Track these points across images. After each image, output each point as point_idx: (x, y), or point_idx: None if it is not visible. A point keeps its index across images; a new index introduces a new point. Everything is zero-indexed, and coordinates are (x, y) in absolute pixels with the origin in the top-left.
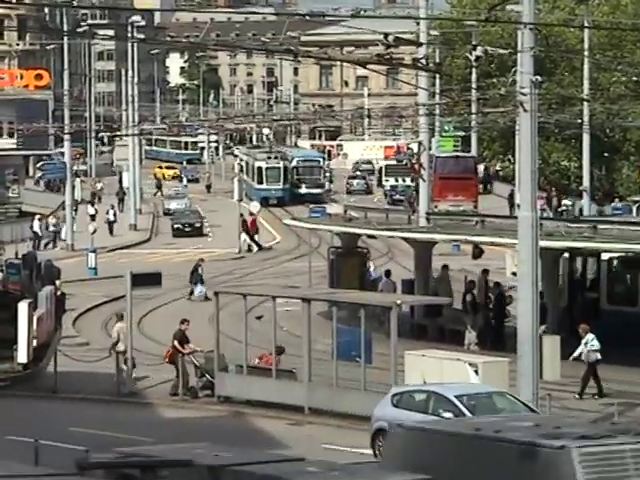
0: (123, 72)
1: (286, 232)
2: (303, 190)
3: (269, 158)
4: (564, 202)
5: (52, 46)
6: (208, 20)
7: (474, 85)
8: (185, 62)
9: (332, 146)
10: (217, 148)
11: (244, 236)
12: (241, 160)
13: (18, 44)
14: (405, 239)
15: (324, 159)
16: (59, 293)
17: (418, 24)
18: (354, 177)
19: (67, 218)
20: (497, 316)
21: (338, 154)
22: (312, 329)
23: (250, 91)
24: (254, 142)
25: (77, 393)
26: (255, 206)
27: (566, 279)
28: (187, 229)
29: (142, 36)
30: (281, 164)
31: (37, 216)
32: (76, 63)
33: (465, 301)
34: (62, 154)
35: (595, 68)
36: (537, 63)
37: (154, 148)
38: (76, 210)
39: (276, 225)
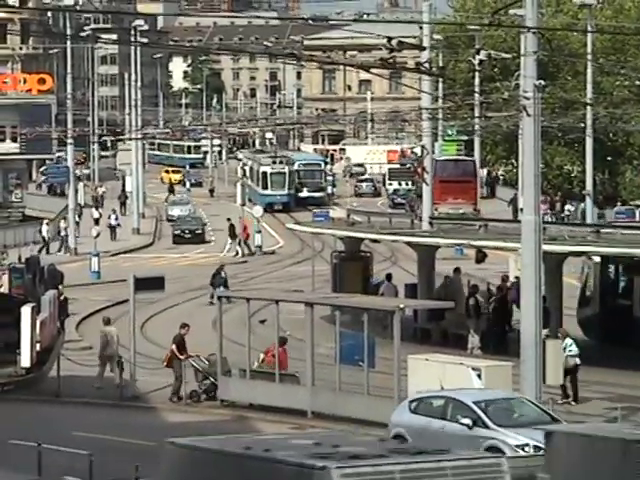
0: (126, 76)
1: (289, 236)
2: (304, 194)
3: (274, 163)
4: (567, 207)
5: (55, 50)
6: (211, 24)
7: (477, 89)
8: (188, 66)
9: (335, 150)
10: (220, 152)
11: (230, 240)
12: (245, 164)
13: (21, 48)
14: (408, 243)
15: (325, 163)
16: (62, 297)
17: (421, 28)
18: (363, 180)
19: (70, 222)
20: (499, 320)
21: (341, 158)
22: (315, 333)
23: (253, 95)
24: (257, 146)
25: (80, 397)
26: (258, 210)
27: (598, 286)
28: (187, 236)
29: (145, 40)
30: (286, 169)
31: (45, 220)
32: (79, 67)
33: (468, 305)
34: (60, 158)
35: (598, 72)
36: (540, 67)
37: (157, 152)
38: (80, 215)
39: (279, 229)
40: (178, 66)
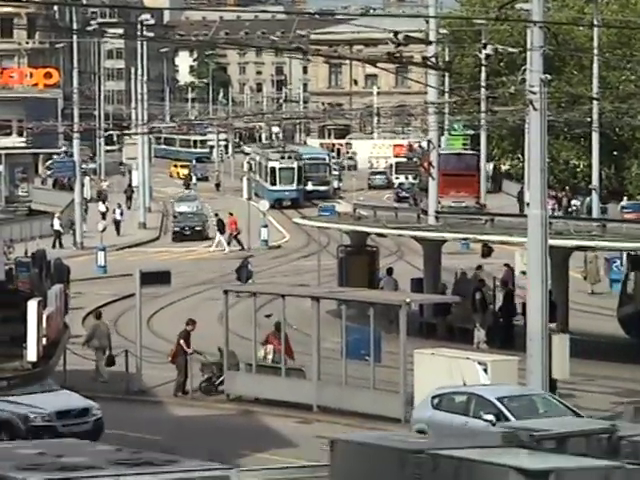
0: (132, 70)
1: (295, 230)
2: (309, 187)
3: (282, 158)
4: (573, 202)
5: (61, 44)
6: (217, 18)
7: (483, 83)
8: (194, 60)
9: (341, 144)
10: (226, 146)
11: (219, 236)
12: (252, 159)
13: (27, 42)
14: (414, 238)
15: (330, 157)
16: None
17: (427, 22)
18: (376, 173)
19: (77, 216)
20: (505, 314)
21: (347, 152)
22: (321, 327)
23: (259, 89)
24: (263, 140)
25: (86, 391)
26: (264, 205)
27: (638, 284)
28: (186, 232)
29: (151, 34)
30: (295, 164)
31: (57, 214)
32: (85, 61)
33: (474, 299)
34: (66, 152)
35: (604, 66)
36: (546, 61)
37: (163, 146)
38: (87, 209)
39: (286, 223)
40: (184, 60)
